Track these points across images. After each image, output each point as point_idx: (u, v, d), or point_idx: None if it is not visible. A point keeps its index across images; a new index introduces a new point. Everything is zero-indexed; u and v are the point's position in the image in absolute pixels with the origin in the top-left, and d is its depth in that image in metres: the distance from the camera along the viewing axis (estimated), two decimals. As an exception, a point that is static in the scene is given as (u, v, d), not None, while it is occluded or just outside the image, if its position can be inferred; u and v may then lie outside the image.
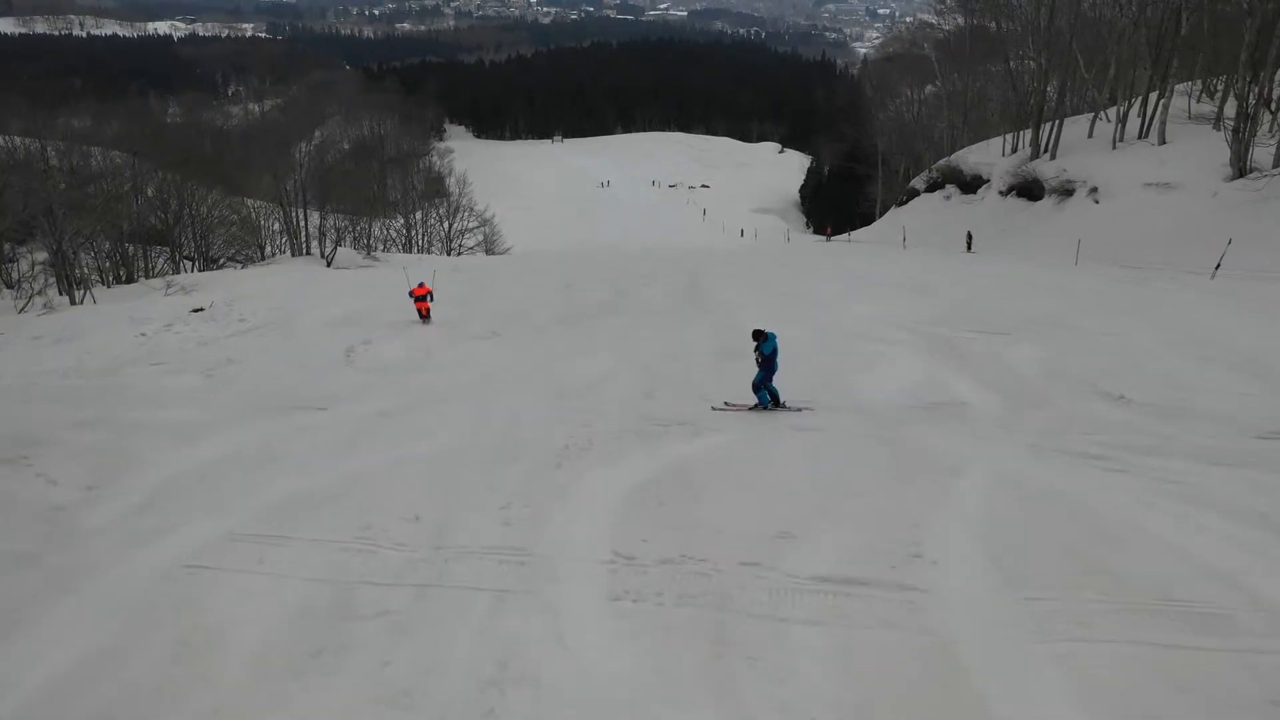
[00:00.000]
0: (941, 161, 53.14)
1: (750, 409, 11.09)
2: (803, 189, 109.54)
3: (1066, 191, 39.68)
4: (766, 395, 11.03)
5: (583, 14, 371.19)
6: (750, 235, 75.08)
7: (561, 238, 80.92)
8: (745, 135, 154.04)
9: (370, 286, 24.99)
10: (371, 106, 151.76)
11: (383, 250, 63.56)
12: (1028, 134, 46.74)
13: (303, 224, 34.93)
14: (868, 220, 76.59)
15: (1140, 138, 40.35)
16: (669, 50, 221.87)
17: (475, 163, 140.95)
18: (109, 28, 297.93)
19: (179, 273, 37.85)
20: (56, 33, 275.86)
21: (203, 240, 38.54)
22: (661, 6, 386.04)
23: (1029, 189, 42.64)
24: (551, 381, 12.22)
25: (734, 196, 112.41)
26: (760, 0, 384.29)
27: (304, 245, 34.56)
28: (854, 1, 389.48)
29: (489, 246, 71.79)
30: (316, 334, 15.73)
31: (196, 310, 18.55)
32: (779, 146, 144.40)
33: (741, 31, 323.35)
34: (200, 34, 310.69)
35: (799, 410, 11.05)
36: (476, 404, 10.89)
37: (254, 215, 37.33)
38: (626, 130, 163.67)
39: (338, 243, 33.94)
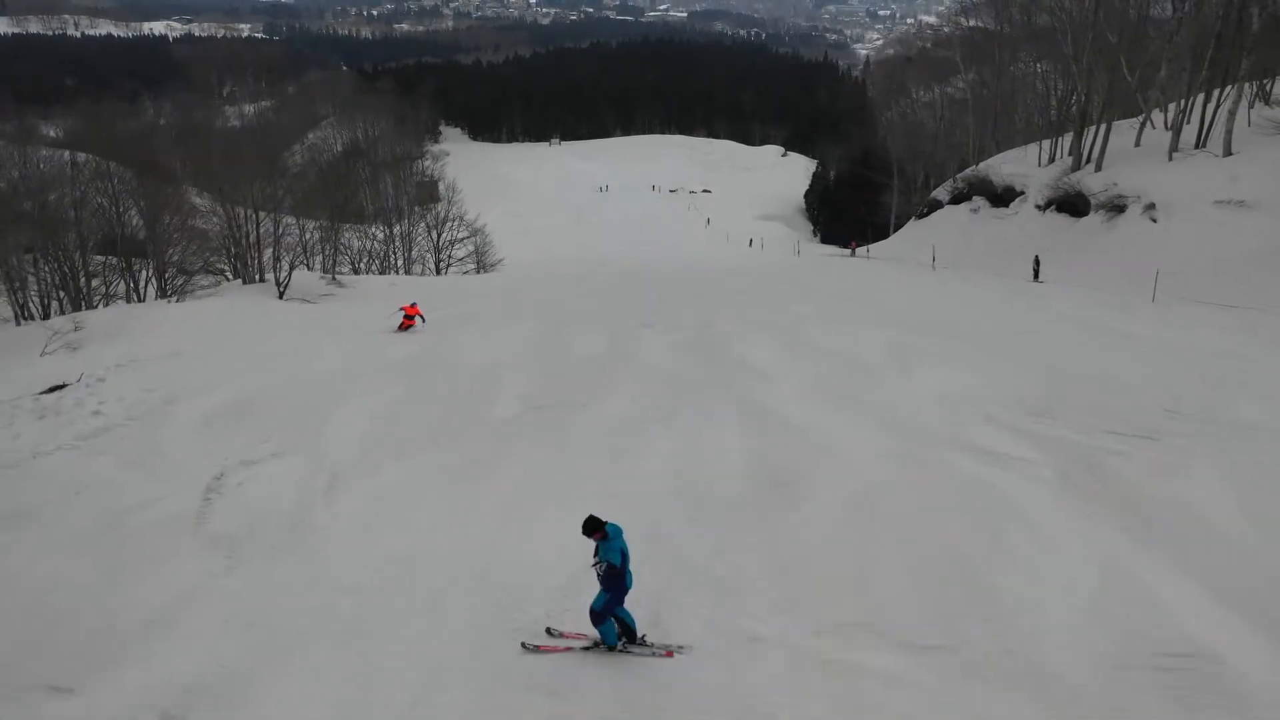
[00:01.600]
0: (968, 170, 48.32)
1: (587, 648, 6.68)
2: (808, 195, 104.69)
3: (1117, 208, 34.92)
4: (613, 628, 6.59)
5: (582, 15, 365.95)
6: (757, 245, 70.24)
7: (558, 247, 76.13)
8: (747, 138, 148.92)
9: (314, 333, 20.22)
10: (365, 108, 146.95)
11: (355, 270, 58.77)
12: (1067, 142, 42.05)
13: (255, 240, 29.90)
14: (881, 231, 71.88)
15: (1198, 147, 35.62)
16: (669, 51, 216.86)
17: (470, 166, 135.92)
18: (104, 28, 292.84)
19: (139, 300, 33.18)
20: (50, 33, 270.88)
21: (159, 257, 33.63)
22: (661, 8, 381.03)
23: (1072, 203, 37.87)
24: (500, 579, 7.45)
25: (737, 202, 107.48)
26: (760, 1, 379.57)
27: (257, 271, 29.72)
28: (854, 3, 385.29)
29: (480, 258, 67.04)
30: (184, 444, 10.93)
31: (51, 390, 13.73)
32: (782, 150, 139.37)
33: (741, 33, 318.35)
34: (196, 34, 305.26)
35: (667, 653, 6.58)
36: (345, 673, 6.10)
37: (229, 225, 31.89)
38: (626, 133, 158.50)
39: (293, 266, 29.04)
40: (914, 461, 10.47)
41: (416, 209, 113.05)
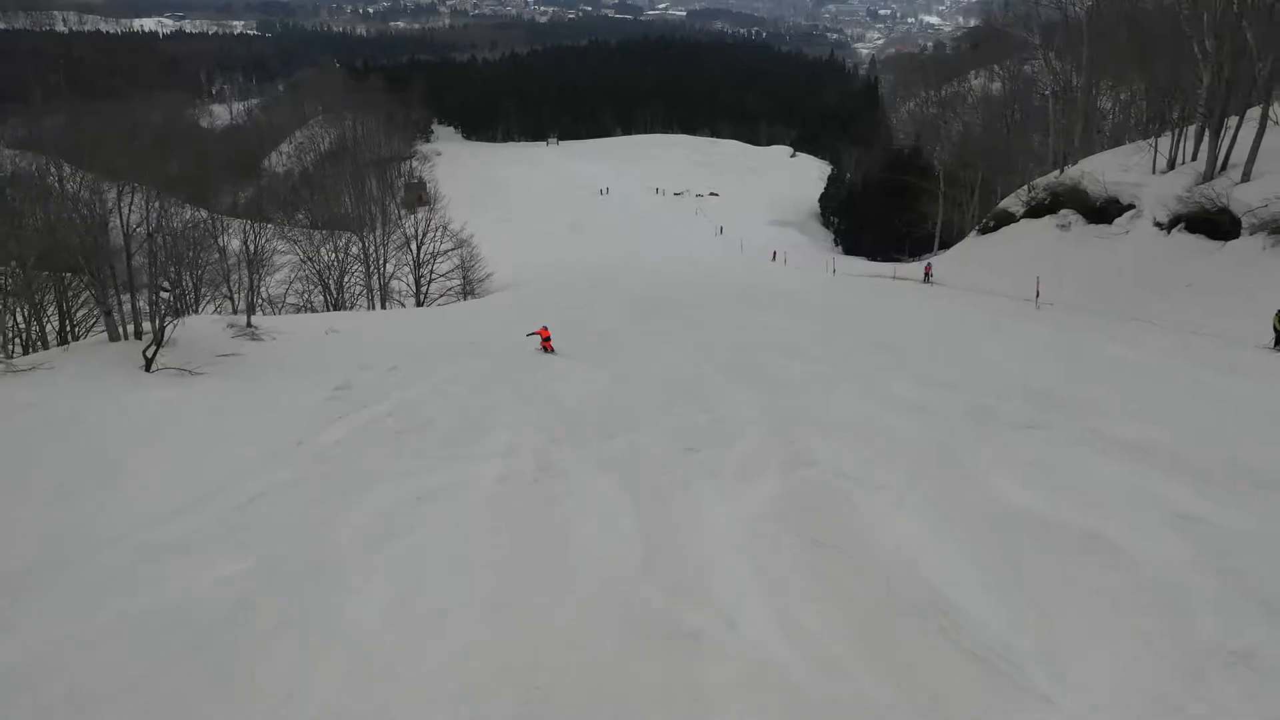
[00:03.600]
0: (1050, 176, 39.40)
1: None
2: (824, 199, 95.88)
3: (1282, 229, 26.13)
4: None
5: (580, 13, 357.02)
6: (781, 258, 61.32)
7: (554, 257, 67.22)
8: (753, 138, 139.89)
9: (108, 487, 11.36)
10: (354, 106, 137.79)
11: (331, 293, 49.86)
12: (1188, 144, 33.22)
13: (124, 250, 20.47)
14: (921, 245, 63.21)
15: (1380, 151, 26.90)
16: (670, 49, 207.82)
17: (462, 166, 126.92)
18: (93, 24, 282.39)
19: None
20: (38, 29, 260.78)
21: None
22: (660, 6, 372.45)
23: (1210, 223, 28.93)
24: None
25: (746, 206, 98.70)
26: (760, 0, 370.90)
27: (127, 323, 20.59)
28: (854, 2, 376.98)
29: (465, 273, 58.14)
30: None
31: None
32: (790, 150, 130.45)
33: (742, 31, 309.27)
34: (188, 31, 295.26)
35: None
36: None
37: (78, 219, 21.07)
38: (626, 132, 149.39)
39: (163, 315, 19.63)
40: None
41: (401, 212, 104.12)
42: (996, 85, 57.48)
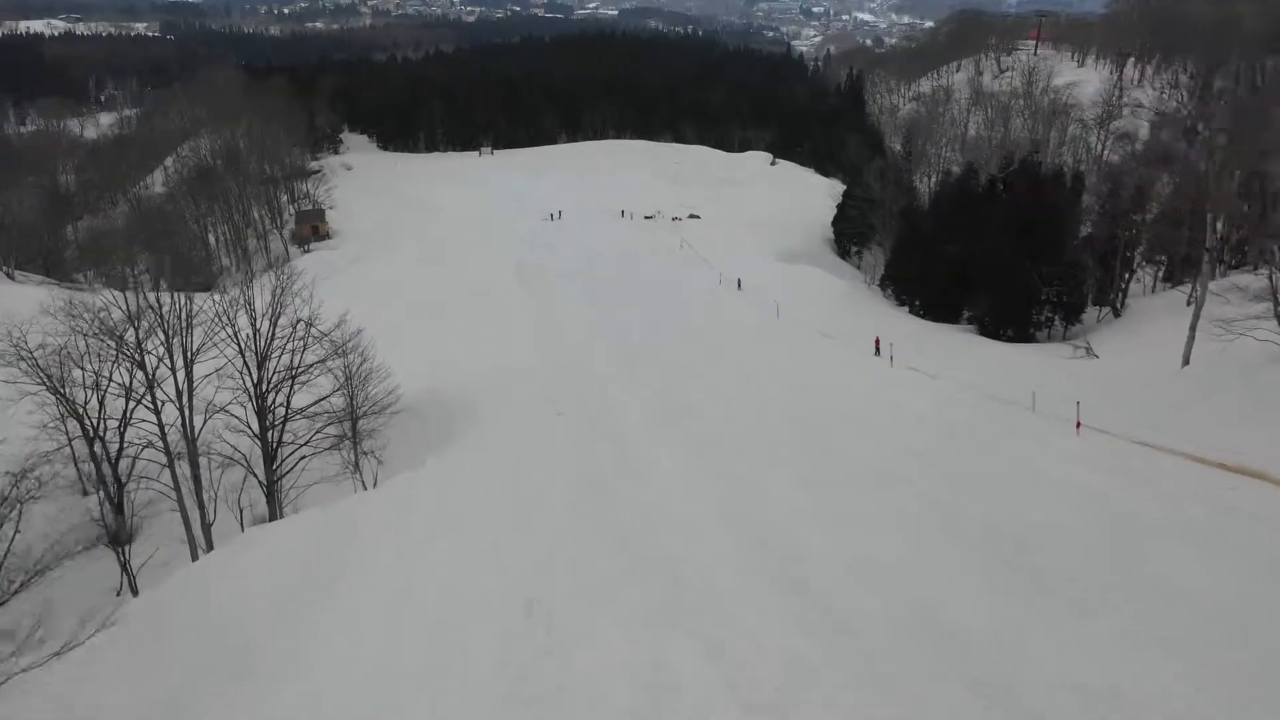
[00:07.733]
0: None
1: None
2: (841, 222, 71.43)
3: None
4: None
5: (509, 12, 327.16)
6: (887, 353, 36.15)
7: (493, 338, 40.98)
8: (723, 143, 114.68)
9: None
10: (248, 111, 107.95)
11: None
12: None
13: None
14: (1062, 310, 39.40)
15: None
16: (610, 46, 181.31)
17: (376, 184, 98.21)
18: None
19: None
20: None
21: None
22: (590, 5, 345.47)
23: None
24: None
25: (738, 233, 73.42)
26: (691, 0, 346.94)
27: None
28: (786, 0, 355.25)
29: (353, 398, 31.91)
30: None
31: None
32: (770, 157, 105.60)
33: (678, 30, 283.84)
34: (80, 33, 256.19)
35: None
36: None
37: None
38: (572, 138, 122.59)
39: None
40: None
41: (290, 249, 75.89)
42: None
